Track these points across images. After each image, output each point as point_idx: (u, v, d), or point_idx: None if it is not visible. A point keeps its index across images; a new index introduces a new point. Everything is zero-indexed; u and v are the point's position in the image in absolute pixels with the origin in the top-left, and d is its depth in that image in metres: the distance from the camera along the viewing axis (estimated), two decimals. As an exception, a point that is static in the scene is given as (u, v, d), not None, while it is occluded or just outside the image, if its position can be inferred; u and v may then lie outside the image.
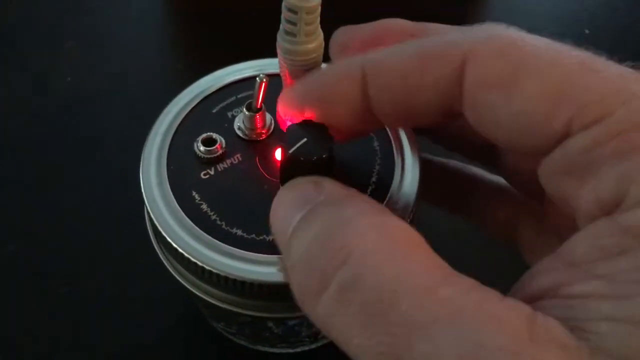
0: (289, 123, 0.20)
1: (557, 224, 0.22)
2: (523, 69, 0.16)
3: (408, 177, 0.23)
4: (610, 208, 0.14)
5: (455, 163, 0.27)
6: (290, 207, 0.18)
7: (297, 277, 0.16)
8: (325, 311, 0.15)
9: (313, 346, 0.29)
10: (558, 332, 0.13)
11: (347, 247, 0.14)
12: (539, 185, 0.19)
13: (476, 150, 0.26)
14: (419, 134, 0.24)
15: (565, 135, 0.15)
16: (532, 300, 0.15)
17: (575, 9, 0.48)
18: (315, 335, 0.27)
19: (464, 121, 0.19)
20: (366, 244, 0.15)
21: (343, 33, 0.23)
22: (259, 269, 0.20)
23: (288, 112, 0.20)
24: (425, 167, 0.23)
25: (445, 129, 0.26)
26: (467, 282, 0.14)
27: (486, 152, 0.25)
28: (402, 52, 0.18)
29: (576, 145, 0.15)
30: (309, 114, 0.20)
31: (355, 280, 0.14)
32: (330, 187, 0.17)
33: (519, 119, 0.16)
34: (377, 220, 0.16)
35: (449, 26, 0.21)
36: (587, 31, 0.44)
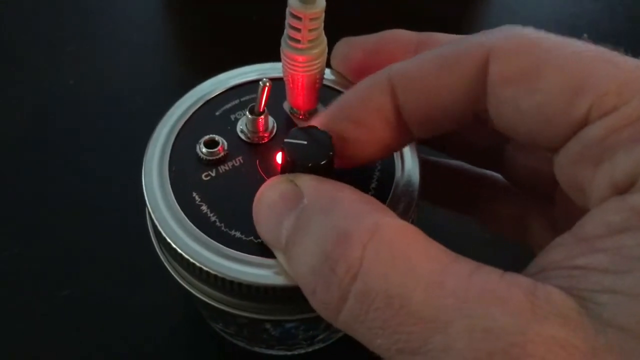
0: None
1: (570, 221, 0.22)
2: (544, 63, 0.16)
3: (408, 179, 0.23)
4: (623, 191, 0.15)
5: (460, 164, 0.27)
6: (273, 211, 0.18)
7: (319, 295, 0.16)
8: (348, 320, 0.16)
9: (310, 349, 0.29)
10: (559, 302, 0.14)
11: (355, 266, 0.15)
12: (546, 186, 0.19)
13: (480, 158, 0.26)
14: (421, 143, 0.24)
15: (582, 125, 0.16)
16: (540, 272, 0.15)
17: (574, 13, 0.48)
18: (312, 338, 0.27)
19: (478, 125, 0.19)
20: (370, 259, 0.15)
21: (345, 44, 0.23)
22: (256, 271, 0.20)
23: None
24: (431, 169, 0.23)
25: (448, 137, 0.26)
26: (467, 266, 0.15)
27: (490, 159, 0.25)
28: (426, 58, 0.19)
29: (593, 133, 0.16)
30: (345, 135, 0.20)
31: (367, 291, 0.15)
32: (308, 188, 0.18)
33: (541, 110, 0.17)
34: (370, 223, 0.16)
35: (453, 35, 0.21)
36: (585, 35, 0.44)
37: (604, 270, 0.14)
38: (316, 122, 0.21)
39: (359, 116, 0.20)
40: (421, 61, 0.19)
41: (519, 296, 0.14)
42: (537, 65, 0.17)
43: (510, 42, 0.17)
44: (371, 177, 0.23)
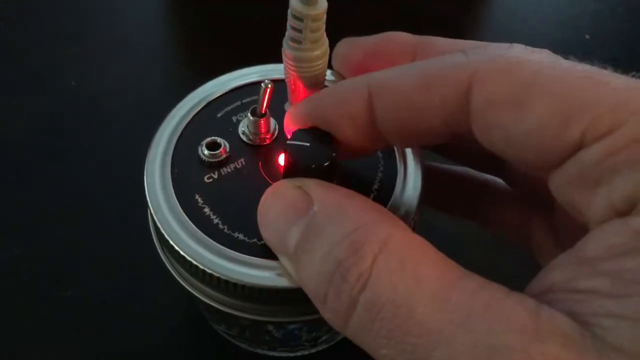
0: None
1: (569, 228, 0.22)
2: (531, 87, 0.16)
3: (410, 183, 0.23)
4: (623, 214, 0.15)
5: (462, 170, 0.27)
6: (281, 217, 0.18)
7: (329, 302, 0.17)
8: (355, 329, 0.16)
9: (313, 351, 0.29)
10: (563, 325, 0.14)
11: (364, 275, 0.16)
12: (545, 192, 0.19)
13: (481, 162, 0.26)
14: (423, 146, 0.24)
15: (577, 148, 0.16)
16: (544, 293, 0.15)
17: (576, 14, 0.48)
18: (315, 339, 0.27)
19: (470, 138, 0.19)
20: (379, 268, 0.16)
21: (346, 45, 0.23)
22: (259, 273, 0.20)
23: (295, 129, 0.21)
24: (433, 175, 0.23)
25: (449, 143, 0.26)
26: (474, 282, 0.15)
27: (491, 163, 0.25)
28: (407, 73, 0.19)
29: (589, 156, 0.15)
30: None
31: (375, 300, 0.15)
32: (317, 195, 0.18)
33: (531, 136, 0.16)
34: (381, 234, 0.16)
35: (452, 40, 0.21)
36: (587, 36, 0.44)
37: (606, 294, 0.14)
38: (291, 113, 0.21)
39: (330, 118, 0.20)
40: (403, 74, 0.19)
41: (523, 315, 0.14)
42: (522, 89, 0.16)
43: (494, 64, 0.17)
44: (373, 180, 0.23)
